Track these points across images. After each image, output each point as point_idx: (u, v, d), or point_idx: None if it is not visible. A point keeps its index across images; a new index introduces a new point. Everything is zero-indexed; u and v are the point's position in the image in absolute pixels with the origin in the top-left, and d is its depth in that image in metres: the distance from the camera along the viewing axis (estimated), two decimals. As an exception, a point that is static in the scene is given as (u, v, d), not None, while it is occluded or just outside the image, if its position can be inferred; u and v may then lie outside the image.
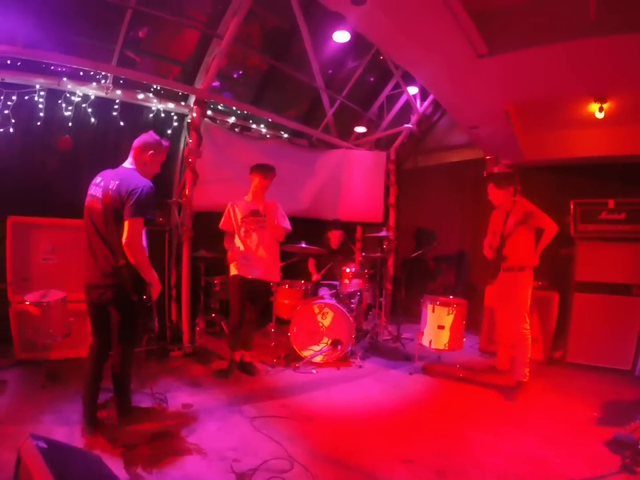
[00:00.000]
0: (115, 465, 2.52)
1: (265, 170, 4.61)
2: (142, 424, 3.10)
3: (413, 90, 6.98)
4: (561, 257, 5.26)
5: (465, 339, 4.74)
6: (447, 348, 4.63)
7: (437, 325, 4.63)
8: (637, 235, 4.86)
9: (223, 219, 4.44)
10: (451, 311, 4.61)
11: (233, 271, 4.33)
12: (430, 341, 4.68)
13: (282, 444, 2.98)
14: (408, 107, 7.28)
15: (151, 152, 3.10)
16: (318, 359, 4.69)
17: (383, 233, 5.71)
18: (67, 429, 2.97)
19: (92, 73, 4.78)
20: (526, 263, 4.26)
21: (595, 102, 4.85)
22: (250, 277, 4.28)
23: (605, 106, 4.85)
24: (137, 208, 2.79)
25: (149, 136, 3.19)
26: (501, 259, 4.36)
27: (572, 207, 5.20)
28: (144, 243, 2.94)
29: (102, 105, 5.03)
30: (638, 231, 4.86)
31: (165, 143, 3.25)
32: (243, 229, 4.37)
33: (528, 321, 4.24)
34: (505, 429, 3.41)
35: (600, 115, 4.93)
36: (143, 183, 2.89)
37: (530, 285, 4.29)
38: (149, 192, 2.86)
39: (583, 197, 5.22)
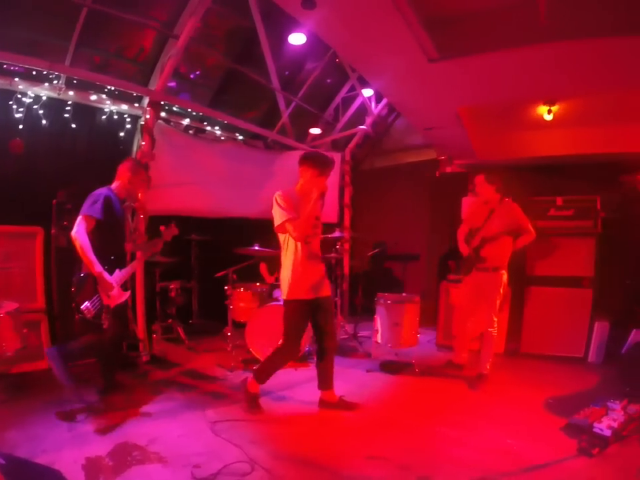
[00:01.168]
0: (78, 477, 2.50)
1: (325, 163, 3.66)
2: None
3: (368, 92, 7.08)
4: (513, 253, 5.48)
5: (420, 335, 4.87)
6: (402, 344, 4.73)
7: (392, 323, 4.72)
8: (584, 230, 5.15)
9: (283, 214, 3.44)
10: (404, 308, 4.72)
11: (291, 294, 3.52)
12: (385, 339, 4.78)
13: (244, 447, 2.98)
14: (363, 109, 7.38)
15: (129, 174, 3.61)
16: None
17: (336, 234, 5.78)
18: (30, 445, 2.89)
19: (45, 73, 4.63)
20: (501, 263, 4.40)
21: (544, 105, 5.09)
22: (312, 296, 3.54)
23: (554, 108, 5.10)
24: (84, 207, 3.34)
25: (127, 160, 3.76)
26: (477, 258, 4.46)
27: (522, 204, 5.43)
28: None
29: (54, 106, 4.89)
30: (585, 226, 5.15)
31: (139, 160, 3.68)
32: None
33: (496, 319, 4.40)
34: (466, 420, 3.51)
35: (549, 117, 5.17)
36: (99, 191, 3.42)
37: (503, 284, 4.41)
38: (99, 195, 3.39)
39: (533, 195, 5.46)
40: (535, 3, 3.23)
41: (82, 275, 3.33)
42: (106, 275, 3.29)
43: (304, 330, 3.68)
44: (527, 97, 4.84)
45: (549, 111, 5.12)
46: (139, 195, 3.73)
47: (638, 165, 5.01)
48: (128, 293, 3.57)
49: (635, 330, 4.55)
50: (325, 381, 3.75)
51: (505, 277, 4.41)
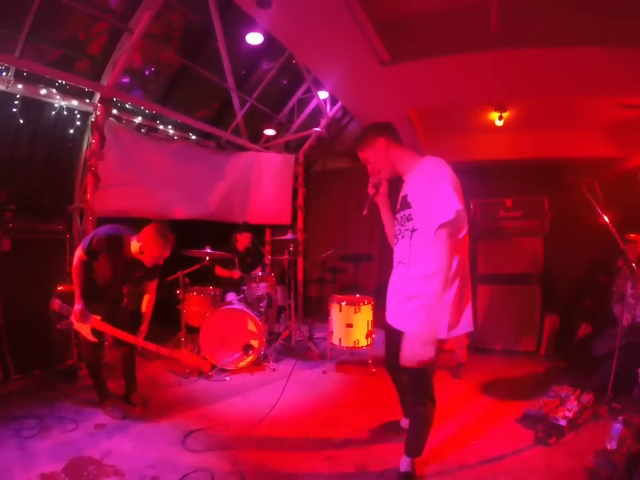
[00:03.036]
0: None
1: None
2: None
3: (323, 94, 7.08)
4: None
5: (374, 335, 4.93)
6: (357, 345, 4.77)
7: (345, 324, 4.76)
8: (532, 230, 5.39)
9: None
10: (357, 309, 4.76)
11: None
12: (340, 340, 4.81)
13: (201, 455, 2.91)
14: (318, 111, 7.39)
15: (140, 244, 3.33)
16: (231, 365, 4.62)
17: (289, 236, 5.78)
18: None
19: None
20: None
21: (495, 111, 5.28)
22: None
23: (505, 115, 5.30)
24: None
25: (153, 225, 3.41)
26: None
27: (472, 206, 5.62)
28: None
29: (1, 99, 4.59)
30: (533, 226, 5.39)
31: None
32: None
33: None
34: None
35: (499, 123, 5.38)
36: (106, 227, 3.41)
37: None
38: (96, 231, 3.35)
39: (484, 197, 5.65)
40: (487, 11, 3.34)
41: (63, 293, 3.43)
42: (79, 305, 3.27)
43: None
44: (476, 100, 4.99)
45: (500, 117, 5.32)
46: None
47: (581, 168, 5.29)
48: (95, 339, 3.41)
49: (584, 323, 4.85)
50: None
51: None
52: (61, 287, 3.53)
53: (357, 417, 3.59)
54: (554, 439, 3.03)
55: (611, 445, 2.69)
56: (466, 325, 2.40)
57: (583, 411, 3.36)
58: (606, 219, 3.65)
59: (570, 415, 3.22)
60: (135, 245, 3.36)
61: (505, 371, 4.77)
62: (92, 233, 3.36)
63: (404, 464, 2.65)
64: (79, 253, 3.30)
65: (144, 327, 3.63)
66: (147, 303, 3.72)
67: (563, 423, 3.15)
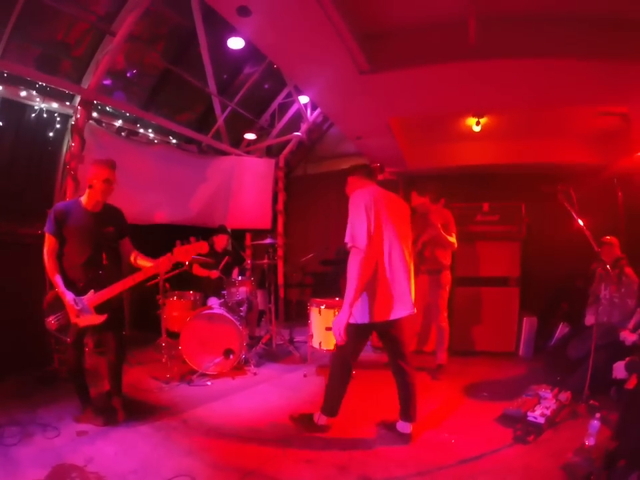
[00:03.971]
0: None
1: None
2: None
3: (304, 99, 7.15)
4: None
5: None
6: (336, 348, 4.81)
7: (325, 327, 4.75)
8: (510, 235, 5.51)
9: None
10: (336, 313, 4.77)
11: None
12: (320, 343, 4.82)
13: (183, 460, 2.90)
14: (299, 116, 7.45)
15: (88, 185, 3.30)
16: (212, 370, 4.59)
17: (268, 240, 5.80)
18: None
19: None
20: (443, 265, 4.75)
21: (473, 117, 5.40)
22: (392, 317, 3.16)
23: (482, 120, 5.41)
24: None
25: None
26: (421, 262, 4.75)
27: (450, 210, 5.72)
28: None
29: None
30: (510, 230, 5.51)
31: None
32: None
33: (446, 314, 4.75)
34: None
35: (477, 129, 5.49)
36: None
37: (449, 283, 4.79)
38: (51, 211, 3.25)
39: (463, 202, 5.74)
40: (465, 22, 3.42)
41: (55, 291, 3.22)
42: (69, 295, 3.14)
43: None
44: (455, 109, 5.09)
45: (477, 123, 5.44)
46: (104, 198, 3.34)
47: (558, 175, 5.45)
48: (103, 317, 3.26)
49: (561, 323, 4.99)
50: None
51: (448, 277, 4.78)
52: (48, 297, 3.33)
53: (338, 420, 3.58)
54: (532, 437, 3.09)
55: (589, 442, 2.76)
56: (380, 314, 3.08)
57: (560, 409, 3.44)
58: (581, 223, 3.79)
59: (548, 412, 3.30)
60: (84, 197, 3.34)
61: (484, 371, 4.87)
62: (48, 215, 3.26)
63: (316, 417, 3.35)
64: (46, 241, 3.22)
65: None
66: (134, 257, 3.52)
67: (541, 420, 3.22)
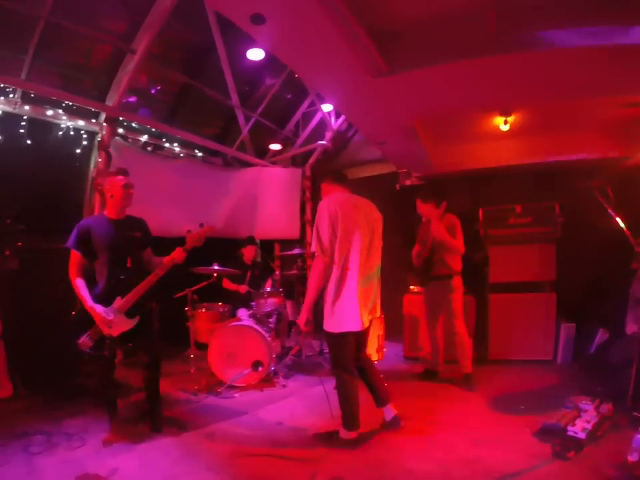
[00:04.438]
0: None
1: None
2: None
3: (327, 107, 7.10)
4: (474, 262, 5.56)
5: (385, 349, 4.84)
6: (368, 360, 4.68)
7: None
8: (544, 236, 5.31)
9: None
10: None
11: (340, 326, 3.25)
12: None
13: (206, 475, 2.86)
14: (323, 124, 7.41)
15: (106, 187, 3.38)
16: (240, 382, 4.56)
17: (297, 251, 5.74)
18: None
19: (2, 86, 4.43)
20: (454, 270, 4.59)
21: (500, 115, 5.22)
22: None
23: (510, 119, 5.23)
24: None
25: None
26: (430, 268, 4.64)
27: (480, 214, 5.55)
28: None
29: (9, 121, 4.68)
30: (545, 232, 5.31)
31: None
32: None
33: (457, 322, 4.56)
34: (434, 432, 3.47)
35: (505, 128, 5.30)
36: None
37: (461, 288, 4.63)
38: (75, 229, 3.31)
39: (494, 204, 5.59)
40: (484, 15, 3.30)
41: (80, 308, 3.24)
42: (98, 308, 3.16)
43: None
44: (479, 106, 4.88)
45: (505, 122, 5.26)
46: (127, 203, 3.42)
47: (592, 171, 5.21)
48: (135, 321, 3.32)
49: (601, 329, 4.71)
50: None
51: (458, 282, 4.62)
52: (73, 317, 3.36)
53: (369, 435, 3.46)
54: (572, 453, 2.90)
55: (632, 457, 2.57)
56: (357, 322, 3.21)
57: (602, 422, 3.24)
58: (619, 221, 3.58)
59: (589, 427, 3.11)
60: (108, 206, 3.41)
61: (520, 381, 4.65)
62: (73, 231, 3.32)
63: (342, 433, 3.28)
64: (71, 258, 3.27)
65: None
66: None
67: (582, 436, 3.02)
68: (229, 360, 4.63)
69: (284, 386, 4.71)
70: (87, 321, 3.20)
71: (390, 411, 3.50)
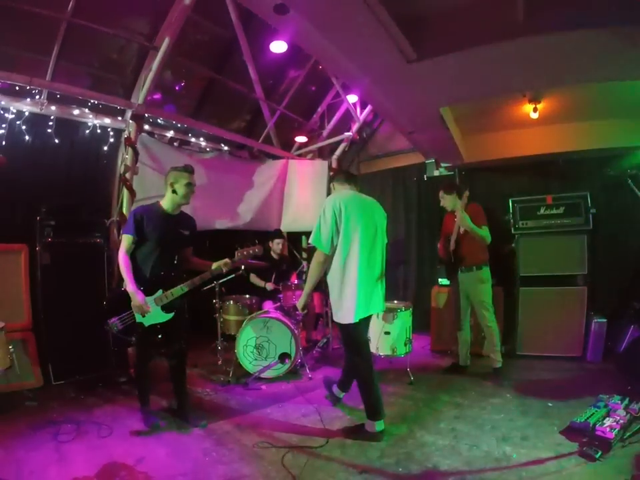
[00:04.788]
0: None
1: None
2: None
3: (352, 98, 7.04)
4: (504, 254, 5.44)
5: (413, 342, 4.80)
6: (395, 353, 4.63)
7: (383, 332, 4.63)
8: (575, 227, 5.15)
9: None
10: (395, 316, 4.62)
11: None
12: (377, 348, 4.68)
13: (234, 466, 2.90)
14: (349, 115, 7.35)
15: (169, 189, 3.45)
16: (267, 373, 4.62)
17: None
18: (16, 466, 2.84)
19: (28, 88, 4.50)
20: (482, 260, 4.55)
21: (529, 103, 5.08)
22: None
23: (539, 106, 5.08)
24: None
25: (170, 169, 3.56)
26: (458, 260, 4.60)
27: (511, 205, 5.42)
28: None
29: (36, 121, 4.78)
30: (576, 223, 5.15)
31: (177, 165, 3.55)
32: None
33: (487, 314, 4.53)
34: (461, 427, 3.45)
35: (534, 115, 5.16)
36: (135, 208, 3.54)
37: (489, 279, 4.60)
38: (131, 213, 3.47)
39: (524, 194, 5.46)
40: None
41: (117, 290, 3.44)
42: (140, 296, 3.23)
43: None
44: (508, 91, 4.74)
45: (535, 109, 5.11)
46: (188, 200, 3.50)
47: (625, 159, 5.01)
48: (169, 316, 3.40)
49: (632, 326, 4.54)
50: None
51: (487, 273, 4.58)
52: (108, 298, 3.60)
53: (393, 429, 3.48)
54: (600, 453, 2.83)
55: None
56: (362, 310, 3.32)
57: (631, 422, 3.15)
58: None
59: (618, 426, 3.02)
60: (165, 201, 3.46)
61: (548, 378, 4.54)
62: (128, 217, 3.44)
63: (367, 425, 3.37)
64: (124, 242, 3.33)
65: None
66: (194, 262, 3.71)
67: (610, 436, 2.95)
68: (256, 351, 4.67)
69: (310, 378, 4.73)
70: (121, 303, 3.30)
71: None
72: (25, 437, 3.24)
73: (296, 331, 4.72)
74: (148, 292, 3.30)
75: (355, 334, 3.40)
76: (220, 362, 4.93)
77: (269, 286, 5.67)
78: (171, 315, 3.40)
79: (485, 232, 4.50)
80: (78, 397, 4.09)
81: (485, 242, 4.52)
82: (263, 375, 4.62)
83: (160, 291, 3.34)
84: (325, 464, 2.96)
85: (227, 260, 3.50)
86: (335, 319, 3.48)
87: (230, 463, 2.96)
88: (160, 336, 3.49)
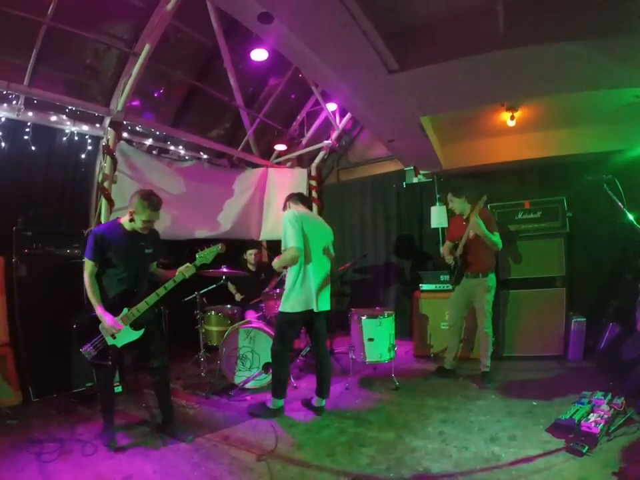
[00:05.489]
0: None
1: None
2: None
3: (332, 106, 7.09)
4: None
5: (397, 348, 4.82)
6: (379, 359, 4.65)
7: (367, 338, 4.65)
8: (553, 231, 5.26)
9: None
10: (379, 323, 4.64)
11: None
12: (362, 354, 4.70)
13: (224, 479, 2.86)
14: (328, 123, 7.39)
15: (129, 214, 3.32)
16: (251, 384, 4.56)
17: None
18: None
19: (5, 93, 4.41)
20: (489, 267, 4.58)
21: (507, 111, 5.19)
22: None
23: (516, 114, 5.20)
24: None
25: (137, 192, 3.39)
26: (465, 265, 4.61)
27: (489, 210, 5.51)
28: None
29: (13, 127, 4.68)
30: (554, 227, 5.26)
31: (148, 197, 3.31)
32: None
33: (491, 318, 4.60)
34: (449, 432, 3.46)
35: (512, 123, 5.29)
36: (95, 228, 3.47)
37: (494, 286, 4.63)
38: (89, 234, 3.34)
39: (501, 200, 5.53)
40: (492, 10, 3.26)
41: (85, 315, 3.28)
42: (108, 317, 3.16)
43: None
44: (487, 102, 4.84)
45: (512, 117, 5.23)
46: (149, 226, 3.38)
47: (600, 164, 5.16)
48: (139, 332, 3.32)
49: (611, 324, 4.66)
50: None
51: (493, 280, 4.61)
52: (77, 326, 3.45)
53: (385, 435, 3.48)
54: (586, 448, 2.89)
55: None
56: (304, 305, 3.84)
57: (615, 416, 3.23)
58: (629, 215, 3.53)
59: (602, 421, 3.10)
60: (125, 220, 3.35)
61: (532, 377, 4.63)
62: (88, 240, 3.29)
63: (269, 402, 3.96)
64: (86, 266, 3.24)
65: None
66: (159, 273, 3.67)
67: (595, 430, 3.02)
68: (240, 362, 4.62)
69: (295, 387, 4.70)
70: (91, 329, 3.21)
71: (321, 402, 4.07)
72: (8, 458, 3.11)
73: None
74: (114, 312, 3.22)
75: (287, 323, 3.91)
76: (203, 373, 4.85)
77: (238, 296, 5.75)
78: (141, 332, 3.33)
79: (497, 238, 4.54)
80: (60, 414, 3.94)
81: (496, 248, 4.55)
82: (247, 386, 4.55)
83: (125, 310, 3.25)
84: (316, 474, 2.93)
85: (187, 264, 3.45)
86: (280, 308, 3.93)
87: (219, 477, 2.90)
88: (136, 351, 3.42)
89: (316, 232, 3.98)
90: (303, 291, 3.84)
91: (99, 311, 3.16)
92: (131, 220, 3.29)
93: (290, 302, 3.86)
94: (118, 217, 3.46)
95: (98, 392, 3.71)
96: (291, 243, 3.80)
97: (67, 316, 4.13)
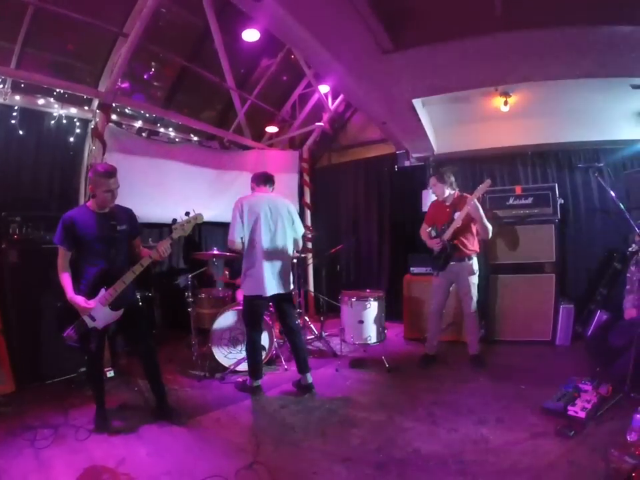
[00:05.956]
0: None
1: None
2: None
3: (324, 88, 7.01)
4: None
5: (387, 330, 4.86)
6: (369, 341, 4.68)
7: (357, 320, 4.68)
8: (544, 217, 5.27)
9: None
10: (368, 305, 4.67)
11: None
12: (352, 337, 4.73)
13: (217, 461, 2.87)
14: (320, 106, 7.32)
15: (91, 187, 3.25)
16: (242, 366, 4.55)
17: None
18: None
19: None
20: (473, 251, 4.58)
21: (500, 96, 5.18)
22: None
23: (510, 100, 5.20)
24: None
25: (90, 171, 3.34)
26: (452, 250, 4.55)
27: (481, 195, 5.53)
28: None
29: (0, 111, 4.58)
30: (544, 213, 5.27)
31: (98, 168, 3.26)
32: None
33: (477, 300, 4.62)
34: (439, 413, 3.51)
35: (505, 109, 5.29)
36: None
37: (478, 269, 4.64)
38: (59, 221, 3.22)
39: (494, 185, 5.50)
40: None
41: (63, 303, 3.23)
42: (79, 299, 3.12)
43: None
44: (481, 85, 4.82)
45: (505, 102, 5.22)
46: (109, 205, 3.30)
47: (592, 152, 5.18)
48: (119, 312, 3.30)
49: (599, 311, 4.72)
50: None
51: (477, 264, 4.63)
52: (58, 311, 3.45)
53: (375, 416, 3.53)
54: (573, 432, 2.95)
55: (631, 437, 2.62)
56: (257, 290, 3.96)
57: (601, 402, 3.28)
58: (619, 203, 3.56)
59: (589, 406, 3.16)
60: (92, 202, 3.30)
61: (520, 362, 4.67)
62: (58, 225, 3.24)
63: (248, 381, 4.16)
64: (59, 253, 3.22)
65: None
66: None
67: (582, 415, 3.08)
68: (231, 344, 4.64)
69: (286, 369, 4.73)
70: (72, 313, 3.18)
71: (308, 378, 4.12)
72: (2, 444, 3.10)
73: (270, 323, 4.70)
74: (92, 295, 3.19)
75: (246, 306, 4.12)
76: (195, 356, 4.85)
77: (221, 281, 5.81)
78: (120, 312, 3.30)
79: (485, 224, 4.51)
80: (53, 400, 3.91)
81: (488, 234, 4.52)
82: (238, 368, 4.57)
83: (102, 290, 3.22)
84: (307, 454, 2.97)
85: (164, 240, 3.37)
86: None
87: (213, 458, 2.92)
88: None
89: (266, 215, 4.02)
90: (251, 277, 3.98)
91: (69, 294, 3.14)
92: (93, 196, 3.25)
93: (244, 286, 4.06)
94: (87, 201, 3.41)
95: (87, 378, 3.73)
96: (229, 235, 4.00)
97: (58, 300, 4.08)
